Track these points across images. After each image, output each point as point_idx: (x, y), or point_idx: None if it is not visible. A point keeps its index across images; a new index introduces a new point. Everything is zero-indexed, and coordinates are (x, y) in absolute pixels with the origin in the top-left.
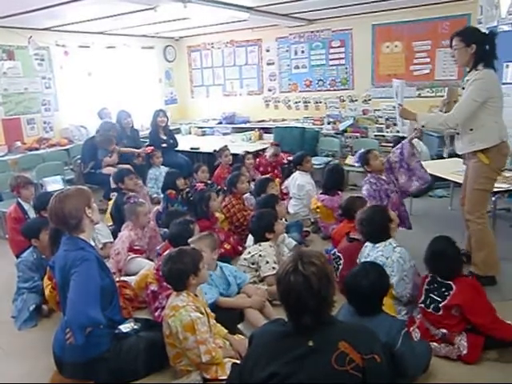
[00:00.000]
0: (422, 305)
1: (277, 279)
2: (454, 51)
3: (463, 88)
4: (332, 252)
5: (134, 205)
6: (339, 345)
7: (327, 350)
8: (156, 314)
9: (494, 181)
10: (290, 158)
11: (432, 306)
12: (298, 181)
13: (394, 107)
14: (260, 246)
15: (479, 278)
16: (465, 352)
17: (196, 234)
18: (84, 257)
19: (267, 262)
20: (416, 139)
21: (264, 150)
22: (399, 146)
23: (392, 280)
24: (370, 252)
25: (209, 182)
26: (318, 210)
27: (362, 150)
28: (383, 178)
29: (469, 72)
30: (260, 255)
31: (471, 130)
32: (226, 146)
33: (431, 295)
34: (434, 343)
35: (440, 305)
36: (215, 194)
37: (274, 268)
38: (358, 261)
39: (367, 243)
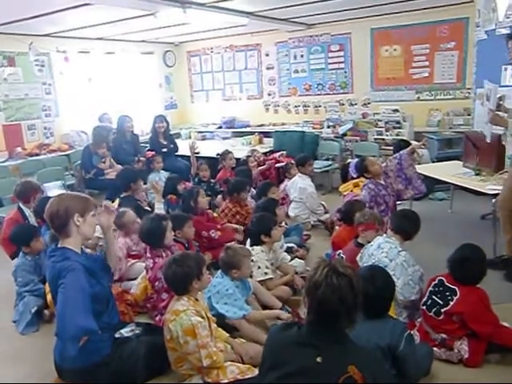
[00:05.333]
0: (424, 307)
1: (307, 286)
2: (510, 53)
3: None
4: (338, 253)
5: (117, 219)
6: (349, 368)
7: (335, 369)
8: (157, 318)
9: None
10: (282, 164)
11: (434, 310)
12: (300, 184)
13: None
14: (252, 250)
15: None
16: (466, 356)
17: (191, 229)
18: (69, 267)
19: (259, 268)
20: (416, 142)
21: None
22: (397, 155)
23: (396, 283)
24: (375, 252)
25: (212, 180)
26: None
27: (357, 160)
28: (381, 182)
29: None
30: (252, 260)
31: None
32: (227, 149)
33: (434, 297)
34: (435, 348)
35: (442, 310)
36: (203, 190)
37: (265, 273)
38: (358, 257)
39: (372, 242)
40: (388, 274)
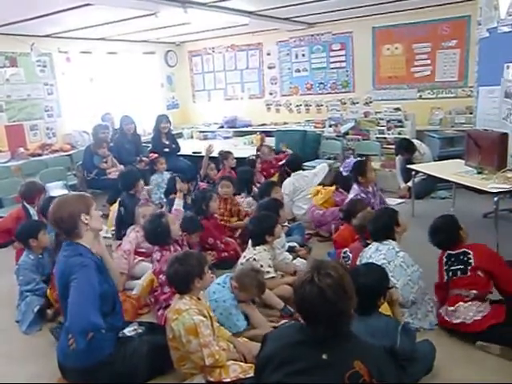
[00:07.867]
0: (449, 279)
1: (293, 289)
2: None
3: None
4: (344, 251)
5: (143, 207)
6: (354, 363)
7: (341, 366)
8: (159, 313)
9: None
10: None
11: (459, 273)
12: (304, 178)
13: None
14: (255, 250)
15: None
16: (488, 311)
17: (196, 239)
18: (83, 263)
19: (261, 266)
20: (418, 141)
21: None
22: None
23: (396, 285)
24: (373, 254)
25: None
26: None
27: (358, 159)
28: (369, 190)
29: None
30: (254, 259)
31: None
32: (222, 150)
33: (452, 268)
34: (464, 304)
35: (468, 268)
36: (216, 195)
37: (268, 272)
38: (357, 261)
39: (371, 245)
40: (384, 271)
